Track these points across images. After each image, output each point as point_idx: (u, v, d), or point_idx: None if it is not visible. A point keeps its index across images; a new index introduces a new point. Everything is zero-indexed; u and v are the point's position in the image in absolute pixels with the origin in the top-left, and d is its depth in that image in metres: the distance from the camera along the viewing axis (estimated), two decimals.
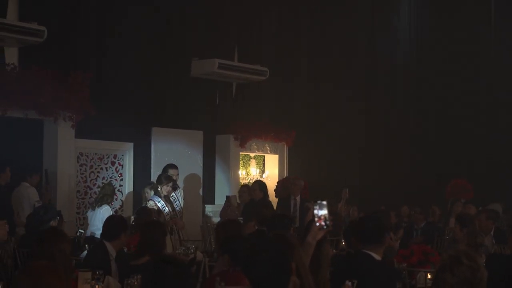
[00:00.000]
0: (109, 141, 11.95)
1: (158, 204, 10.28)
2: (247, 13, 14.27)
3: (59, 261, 5.04)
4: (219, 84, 13.86)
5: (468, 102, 17.19)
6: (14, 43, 10.59)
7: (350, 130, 16.06)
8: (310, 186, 13.13)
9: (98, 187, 11.65)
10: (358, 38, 16.75)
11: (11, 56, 10.72)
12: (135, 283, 5.28)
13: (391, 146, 16.67)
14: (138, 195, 11.68)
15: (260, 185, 11.72)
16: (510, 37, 17.01)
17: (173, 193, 10.82)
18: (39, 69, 10.49)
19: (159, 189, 10.45)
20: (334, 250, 8.98)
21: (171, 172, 11.04)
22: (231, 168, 13.64)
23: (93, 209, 10.52)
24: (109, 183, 11.29)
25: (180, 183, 11.65)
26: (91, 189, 11.73)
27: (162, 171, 11.09)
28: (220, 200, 13.15)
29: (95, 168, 11.86)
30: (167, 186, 10.44)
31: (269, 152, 14.49)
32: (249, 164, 14.35)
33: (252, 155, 14.37)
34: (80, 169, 11.65)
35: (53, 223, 7.88)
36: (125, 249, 7.29)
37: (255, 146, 14.16)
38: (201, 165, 13.28)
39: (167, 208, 10.34)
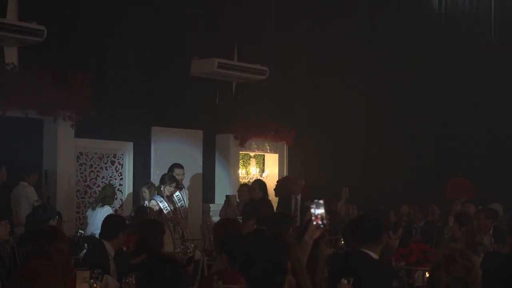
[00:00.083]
0: (109, 140, 11.96)
1: (160, 204, 10.30)
2: (247, 13, 14.28)
3: (57, 260, 5.06)
4: (219, 84, 13.87)
5: (468, 102, 17.18)
6: (14, 42, 10.60)
7: (350, 129, 16.08)
8: (310, 186, 13.14)
9: (98, 186, 11.67)
10: (358, 38, 16.75)
11: (11, 55, 10.73)
12: (133, 281, 5.30)
13: (391, 146, 16.68)
14: (138, 195, 11.66)
15: (259, 184, 11.73)
16: (510, 36, 17.00)
17: (178, 193, 10.86)
18: (39, 69, 10.50)
19: (161, 189, 10.47)
20: (332, 249, 9.01)
21: (177, 171, 11.07)
22: (231, 167, 13.66)
23: (93, 209, 10.53)
24: (110, 185, 11.30)
25: (185, 182, 11.68)
26: (91, 188, 11.74)
27: (168, 171, 11.11)
28: (220, 199, 13.17)
29: (95, 168, 11.87)
30: (170, 186, 10.47)
31: (269, 151, 14.50)
32: (249, 163, 14.37)
33: (252, 154, 14.38)
34: (80, 169, 11.65)
35: (52, 222, 7.90)
36: (124, 248, 7.32)
37: (255, 145, 14.17)
38: (201, 164, 13.29)
39: (169, 208, 10.37)
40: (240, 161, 14.07)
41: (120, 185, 12.16)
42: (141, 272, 3.38)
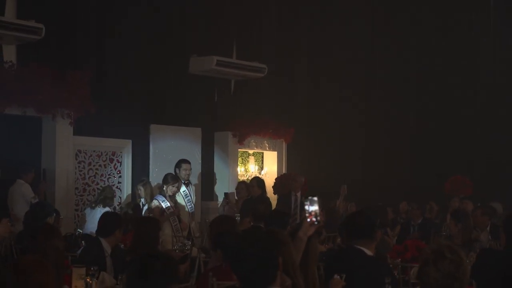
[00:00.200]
0: (108, 138, 11.97)
1: (162, 204, 10.31)
2: (247, 13, 14.28)
3: (52, 257, 5.09)
4: (218, 81, 13.88)
5: (468, 102, 17.18)
6: (12, 40, 10.61)
7: (349, 128, 16.07)
8: (309, 183, 13.15)
9: (97, 184, 11.69)
10: (358, 38, 16.74)
11: (9, 53, 10.74)
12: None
13: (391, 145, 16.67)
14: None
15: (258, 181, 11.77)
16: (510, 36, 16.98)
17: (185, 188, 10.91)
18: (37, 67, 10.51)
19: (164, 188, 10.48)
20: (331, 244, 9.03)
21: (184, 166, 11.12)
22: (230, 165, 13.67)
23: (93, 208, 10.54)
24: (109, 187, 11.32)
25: (192, 178, 11.68)
26: (89, 186, 11.75)
27: (175, 166, 11.13)
28: (218, 197, 13.21)
29: (94, 165, 11.88)
30: (173, 186, 10.49)
31: (267, 149, 14.52)
32: (247, 161, 14.38)
33: (250, 152, 14.40)
34: (79, 166, 11.66)
35: (50, 219, 7.92)
36: (122, 245, 7.34)
37: (253, 143, 14.19)
38: (200, 162, 13.31)
39: (171, 209, 10.39)
40: (239, 159, 14.09)
41: (119, 182, 12.17)
42: (130, 268, 3.39)
